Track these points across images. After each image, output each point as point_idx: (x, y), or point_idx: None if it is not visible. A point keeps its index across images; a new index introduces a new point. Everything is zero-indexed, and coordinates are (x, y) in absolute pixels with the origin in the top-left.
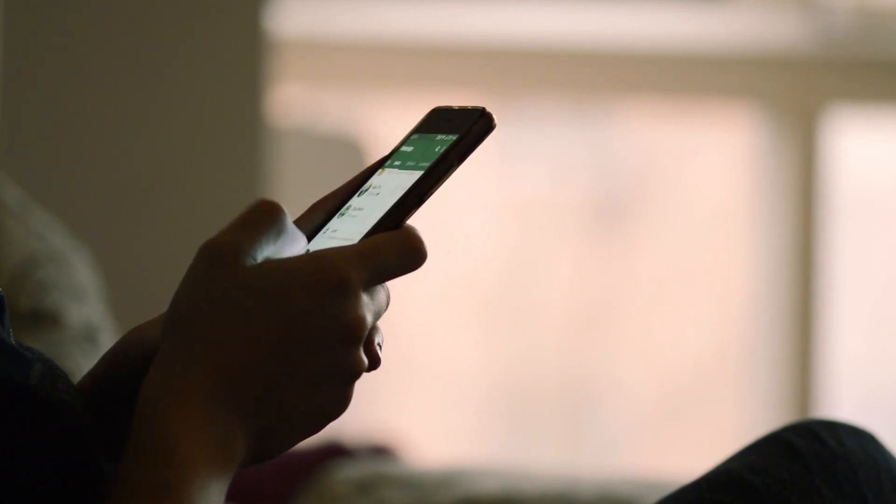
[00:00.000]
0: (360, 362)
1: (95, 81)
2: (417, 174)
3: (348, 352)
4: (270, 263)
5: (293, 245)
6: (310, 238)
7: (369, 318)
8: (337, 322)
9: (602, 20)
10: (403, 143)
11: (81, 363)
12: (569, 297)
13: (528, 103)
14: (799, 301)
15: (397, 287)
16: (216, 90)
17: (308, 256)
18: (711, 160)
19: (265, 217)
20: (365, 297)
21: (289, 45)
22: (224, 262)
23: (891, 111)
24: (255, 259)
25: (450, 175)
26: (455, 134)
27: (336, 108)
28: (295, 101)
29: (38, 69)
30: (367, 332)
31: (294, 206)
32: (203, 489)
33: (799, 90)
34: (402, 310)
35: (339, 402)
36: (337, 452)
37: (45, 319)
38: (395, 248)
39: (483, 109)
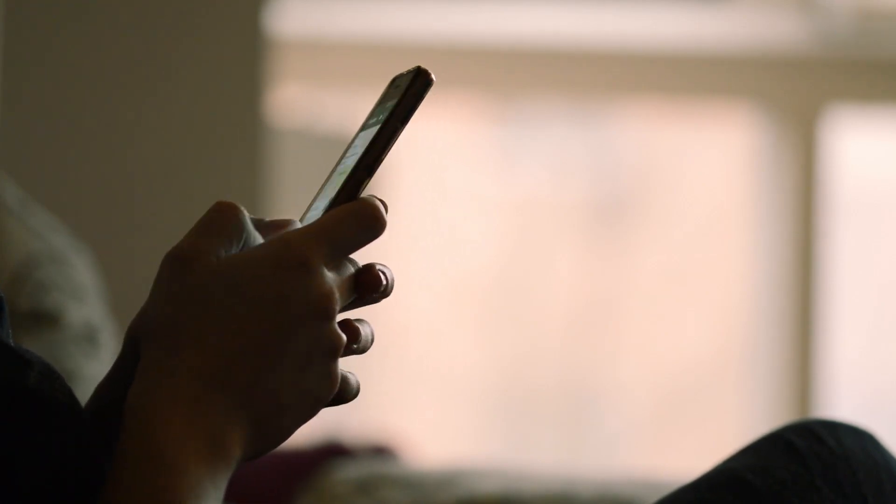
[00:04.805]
0: (338, 337)
1: (95, 81)
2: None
3: (322, 328)
4: (232, 257)
5: (256, 242)
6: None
7: (337, 292)
8: (305, 301)
9: (602, 20)
10: (371, 116)
11: (81, 363)
12: (569, 297)
13: (528, 103)
14: (799, 301)
15: (397, 287)
16: (216, 90)
17: (267, 243)
18: (711, 160)
19: (222, 219)
20: (329, 273)
21: (289, 45)
22: (186, 265)
23: (891, 111)
24: (217, 258)
25: (396, 138)
26: (397, 98)
27: (336, 108)
28: (295, 101)
29: (38, 69)
30: (337, 306)
31: (294, 206)
32: (194, 488)
33: (799, 90)
34: (402, 310)
35: (325, 381)
36: (337, 452)
37: (45, 319)
38: (351, 220)
39: (418, 68)
